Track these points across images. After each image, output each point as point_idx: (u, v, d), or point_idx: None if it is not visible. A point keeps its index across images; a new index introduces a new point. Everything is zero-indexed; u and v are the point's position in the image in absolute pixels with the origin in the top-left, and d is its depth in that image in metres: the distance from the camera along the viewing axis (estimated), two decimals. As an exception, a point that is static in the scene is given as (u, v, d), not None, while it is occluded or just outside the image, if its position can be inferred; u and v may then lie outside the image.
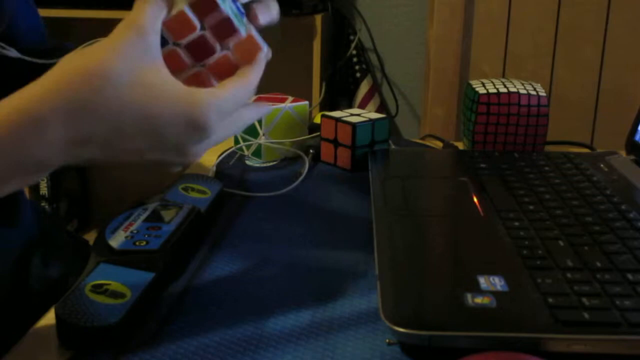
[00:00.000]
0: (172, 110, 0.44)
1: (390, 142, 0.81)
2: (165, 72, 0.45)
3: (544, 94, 0.81)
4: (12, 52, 0.66)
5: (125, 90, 0.42)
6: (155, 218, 0.58)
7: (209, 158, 0.85)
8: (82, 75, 0.42)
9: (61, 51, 0.67)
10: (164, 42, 0.49)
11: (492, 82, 0.83)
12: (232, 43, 0.50)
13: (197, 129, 0.45)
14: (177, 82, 0.45)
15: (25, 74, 0.73)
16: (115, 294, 0.46)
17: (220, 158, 0.83)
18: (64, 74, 0.42)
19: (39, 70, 0.69)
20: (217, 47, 0.50)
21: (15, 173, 0.41)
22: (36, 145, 0.41)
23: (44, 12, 0.75)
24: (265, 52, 0.50)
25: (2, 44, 0.66)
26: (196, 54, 0.50)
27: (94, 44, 0.44)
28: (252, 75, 0.49)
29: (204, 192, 0.67)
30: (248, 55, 0.50)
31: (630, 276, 0.46)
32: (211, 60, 0.50)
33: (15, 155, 0.40)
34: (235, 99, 0.47)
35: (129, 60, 0.43)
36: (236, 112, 0.48)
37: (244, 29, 0.50)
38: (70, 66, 0.42)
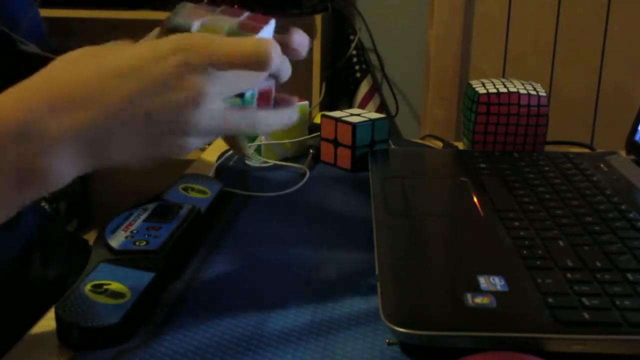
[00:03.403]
0: (155, 44, 0.42)
1: (390, 142, 0.82)
2: None
3: (544, 94, 0.81)
4: (32, 48, 0.67)
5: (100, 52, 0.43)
6: (155, 218, 0.58)
7: (209, 158, 0.85)
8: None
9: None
10: None
11: (492, 82, 0.83)
12: None
13: (179, 49, 0.41)
14: None
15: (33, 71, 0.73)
16: (115, 294, 0.46)
17: (221, 159, 0.83)
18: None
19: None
20: None
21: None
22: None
23: (44, 12, 0.76)
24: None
25: (22, 39, 0.66)
26: None
27: None
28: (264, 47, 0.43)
29: (204, 192, 0.67)
30: None
31: (630, 276, 0.46)
32: None
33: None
34: (232, 49, 0.42)
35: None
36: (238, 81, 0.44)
37: None
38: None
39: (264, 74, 0.45)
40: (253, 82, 0.46)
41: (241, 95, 0.48)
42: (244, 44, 0.43)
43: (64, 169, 0.41)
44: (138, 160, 0.43)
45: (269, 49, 0.42)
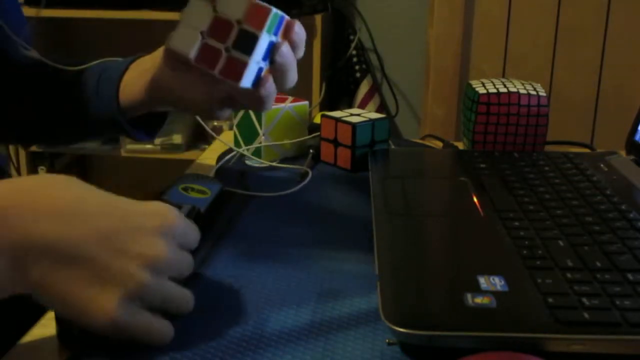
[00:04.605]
0: (139, 205, 0.45)
1: (390, 142, 0.81)
2: None
3: (544, 94, 0.81)
4: (34, 53, 0.67)
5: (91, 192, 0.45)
6: (155, 218, 0.58)
7: (209, 157, 0.85)
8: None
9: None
10: None
11: (492, 82, 0.83)
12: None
13: (165, 219, 0.44)
14: None
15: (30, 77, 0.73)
16: (115, 294, 0.46)
17: (222, 159, 0.83)
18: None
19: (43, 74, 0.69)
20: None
21: None
22: None
23: (45, 13, 0.76)
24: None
25: (24, 43, 0.66)
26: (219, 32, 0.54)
27: None
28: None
29: (204, 192, 0.66)
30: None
31: (630, 276, 0.46)
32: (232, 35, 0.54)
33: None
34: (195, 236, 0.47)
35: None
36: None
37: None
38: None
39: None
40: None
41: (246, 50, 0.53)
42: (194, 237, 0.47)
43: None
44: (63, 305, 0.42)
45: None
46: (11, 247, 0.40)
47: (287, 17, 0.56)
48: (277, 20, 0.54)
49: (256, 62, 0.54)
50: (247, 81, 0.54)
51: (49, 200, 0.42)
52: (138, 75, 0.66)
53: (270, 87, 0.56)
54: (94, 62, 0.70)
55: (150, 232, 0.43)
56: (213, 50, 0.54)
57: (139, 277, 0.41)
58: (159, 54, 0.63)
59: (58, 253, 0.40)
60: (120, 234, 0.42)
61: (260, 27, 0.53)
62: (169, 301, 0.44)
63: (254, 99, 0.57)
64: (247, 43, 0.53)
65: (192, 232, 0.47)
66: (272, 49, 0.55)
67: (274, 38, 0.55)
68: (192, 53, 0.54)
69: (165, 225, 0.44)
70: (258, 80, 0.56)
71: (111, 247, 0.41)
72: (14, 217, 0.40)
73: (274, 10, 0.54)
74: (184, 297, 0.45)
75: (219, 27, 0.54)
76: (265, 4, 0.54)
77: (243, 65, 0.54)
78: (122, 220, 0.43)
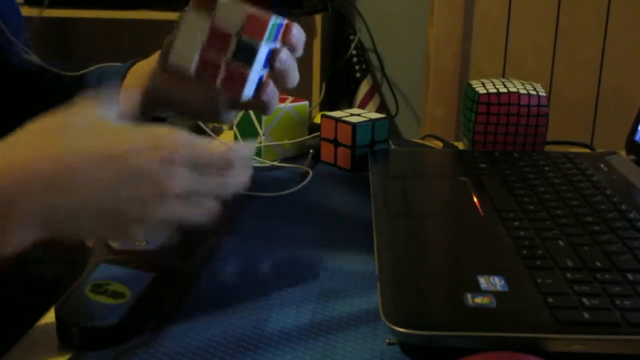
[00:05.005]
0: (137, 135, 0.44)
1: (390, 142, 0.81)
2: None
3: (544, 94, 0.81)
4: (33, 58, 0.67)
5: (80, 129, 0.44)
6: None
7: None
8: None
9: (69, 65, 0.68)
10: None
11: (492, 82, 0.83)
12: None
13: (159, 145, 0.43)
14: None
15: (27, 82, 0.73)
16: (115, 294, 0.46)
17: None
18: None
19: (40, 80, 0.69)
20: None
21: None
22: None
23: (45, 13, 0.76)
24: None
25: (25, 48, 0.66)
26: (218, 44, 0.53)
27: None
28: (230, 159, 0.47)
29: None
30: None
31: (630, 276, 0.46)
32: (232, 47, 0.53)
33: None
34: (206, 151, 0.46)
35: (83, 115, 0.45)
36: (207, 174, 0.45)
37: None
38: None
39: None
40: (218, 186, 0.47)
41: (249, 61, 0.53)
42: (214, 152, 0.46)
43: (20, 238, 0.43)
44: (88, 237, 0.44)
45: (232, 158, 0.46)
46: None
47: (285, 21, 0.55)
48: (275, 27, 0.54)
49: (257, 71, 0.54)
50: (248, 91, 0.54)
51: (35, 171, 0.42)
52: (135, 82, 0.66)
53: (271, 91, 0.56)
54: (92, 68, 0.70)
55: (151, 173, 0.43)
56: (213, 64, 0.53)
57: (152, 215, 0.43)
58: (154, 58, 0.63)
59: (68, 217, 0.42)
60: (120, 187, 0.42)
61: (260, 36, 0.52)
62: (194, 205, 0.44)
63: (256, 104, 0.57)
64: (247, 54, 0.52)
65: (203, 146, 0.45)
66: (272, 54, 0.55)
67: (272, 45, 0.55)
68: (192, 68, 0.53)
69: (162, 152, 0.43)
70: (259, 87, 0.55)
71: (117, 196, 0.42)
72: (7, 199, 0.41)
73: (273, 18, 0.53)
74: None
75: (217, 39, 0.53)
76: (263, 12, 0.53)
77: (244, 77, 0.53)
78: (117, 173, 0.42)
